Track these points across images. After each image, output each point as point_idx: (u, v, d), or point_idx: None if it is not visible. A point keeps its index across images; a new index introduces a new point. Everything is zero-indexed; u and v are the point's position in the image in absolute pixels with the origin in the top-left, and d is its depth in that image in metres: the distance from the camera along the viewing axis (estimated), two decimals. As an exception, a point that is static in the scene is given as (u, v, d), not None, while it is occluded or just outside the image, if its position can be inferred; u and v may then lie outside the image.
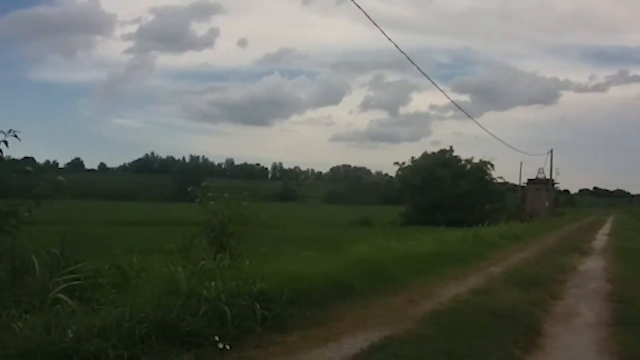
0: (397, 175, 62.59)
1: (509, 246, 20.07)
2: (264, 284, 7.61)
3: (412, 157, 60.30)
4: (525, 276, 12.09)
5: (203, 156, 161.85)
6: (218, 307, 6.60)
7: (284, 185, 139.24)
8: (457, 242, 18.19)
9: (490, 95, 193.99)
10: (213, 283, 7.08)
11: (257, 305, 7.04)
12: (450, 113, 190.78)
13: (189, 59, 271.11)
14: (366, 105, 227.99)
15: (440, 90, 70.61)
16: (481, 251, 17.22)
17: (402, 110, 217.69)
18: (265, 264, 9.17)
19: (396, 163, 60.74)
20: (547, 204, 60.95)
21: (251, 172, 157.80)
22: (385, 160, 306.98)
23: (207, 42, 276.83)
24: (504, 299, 9.36)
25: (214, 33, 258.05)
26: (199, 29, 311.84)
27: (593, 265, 16.02)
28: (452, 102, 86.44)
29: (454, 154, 59.82)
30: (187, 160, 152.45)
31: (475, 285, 11.25)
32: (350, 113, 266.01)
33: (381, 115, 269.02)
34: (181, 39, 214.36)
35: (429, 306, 9.04)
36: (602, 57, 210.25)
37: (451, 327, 7.41)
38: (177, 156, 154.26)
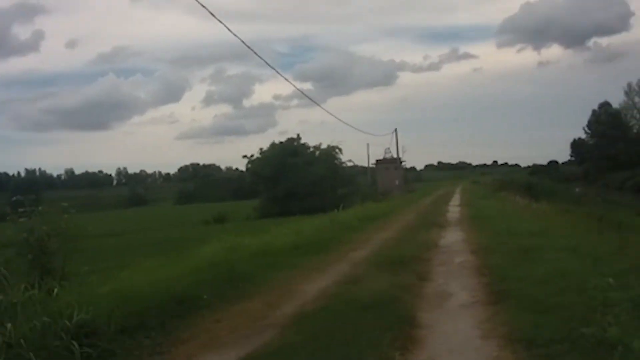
0: (247, 168, 61.18)
1: (368, 227, 19.39)
2: (85, 314, 6.14)
3: (261, 149, 59.27)
4: (390, 258, 11.23)
5: (40, 169, 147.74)
6: (20, 356, 5.29)
7: (131, 190, 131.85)
8: (315, 230, 17.18)
9: (332, 80, 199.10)
10: (9, 325, 5.60)
11: (75, 344, 5.64)
12: (295, 102, 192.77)
13: (13, 65, 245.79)
14: (209, 100, 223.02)
15: (285, 79, 69.98)
16: (341, 236, 16.24)
17: (247, 102, 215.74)
18: (96, 284, 7.90)
19: (245, 156, 59.28)
20: (397, 182, 62.99)
21: (94, 181, 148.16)
22: (234, 154, 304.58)
23: (32, 45, 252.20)
24: (372, 288, 8.40)
25: (38, 35, 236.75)
26: (22, 32, 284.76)
27: (453, 238, 15.68)
28: (297, 89, 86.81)
29: (302, 141, 59.64)
30: (22, 174, 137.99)
31: (340, 274, 10.22)
32: (193, 109, 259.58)
33: (225, 109, 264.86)
34: (2, 45, 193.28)
35: (292, 308, 7.84)
36: (435, 37, 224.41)
37: (321, 331, 6.37)
38: (11, 171, 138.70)
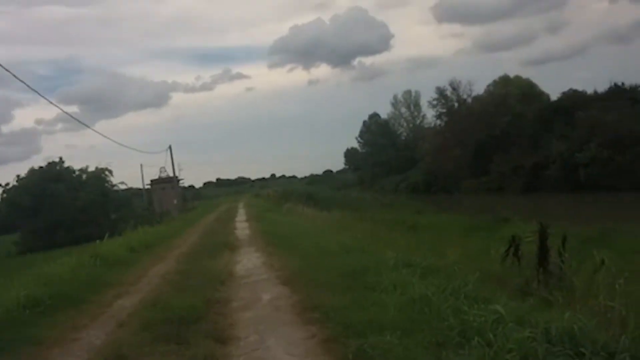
0: (2, 199, 51.28)
1: (143, 259, 15.27)
2: None
3: (18, 176, 50.15)
4: (171, 309, 7.52)
5: None
6: None
7: None
8: (70, 272, 12.49)
9: (100, 103, 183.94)
10: None
11: None
12: (60, 126, 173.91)
13: None
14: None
15: (48, 101, 60.71)
16: (104, 277, 11.93)
17: (5, 128, 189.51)
18: None
19: (0, 185, 49.71)
20: (175, 201, 58.29)
21: None
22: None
23: None
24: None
25: None
26: None
27: (252, 263, 12.45)
28: (63, 111, 77.03)
29: (66, 165, 51.85)
30: None
31: (93, 352, 6.29)
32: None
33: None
34: None
35: None
36: (206, 58, 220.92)
37: None
38: None
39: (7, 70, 14.92)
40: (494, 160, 50.75)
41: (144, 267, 13.55)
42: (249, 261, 12.78)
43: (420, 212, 32.92)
